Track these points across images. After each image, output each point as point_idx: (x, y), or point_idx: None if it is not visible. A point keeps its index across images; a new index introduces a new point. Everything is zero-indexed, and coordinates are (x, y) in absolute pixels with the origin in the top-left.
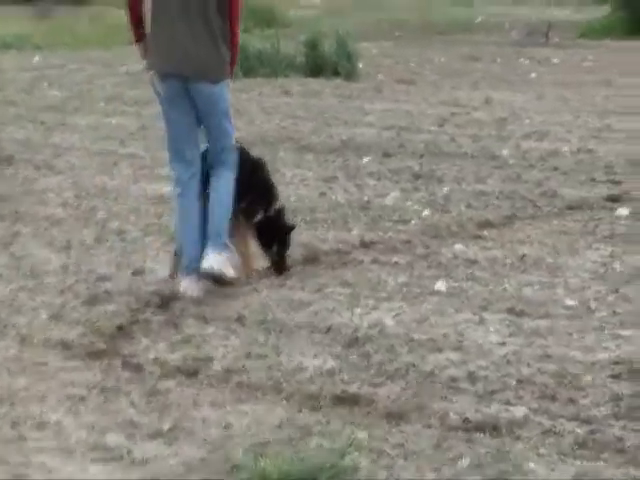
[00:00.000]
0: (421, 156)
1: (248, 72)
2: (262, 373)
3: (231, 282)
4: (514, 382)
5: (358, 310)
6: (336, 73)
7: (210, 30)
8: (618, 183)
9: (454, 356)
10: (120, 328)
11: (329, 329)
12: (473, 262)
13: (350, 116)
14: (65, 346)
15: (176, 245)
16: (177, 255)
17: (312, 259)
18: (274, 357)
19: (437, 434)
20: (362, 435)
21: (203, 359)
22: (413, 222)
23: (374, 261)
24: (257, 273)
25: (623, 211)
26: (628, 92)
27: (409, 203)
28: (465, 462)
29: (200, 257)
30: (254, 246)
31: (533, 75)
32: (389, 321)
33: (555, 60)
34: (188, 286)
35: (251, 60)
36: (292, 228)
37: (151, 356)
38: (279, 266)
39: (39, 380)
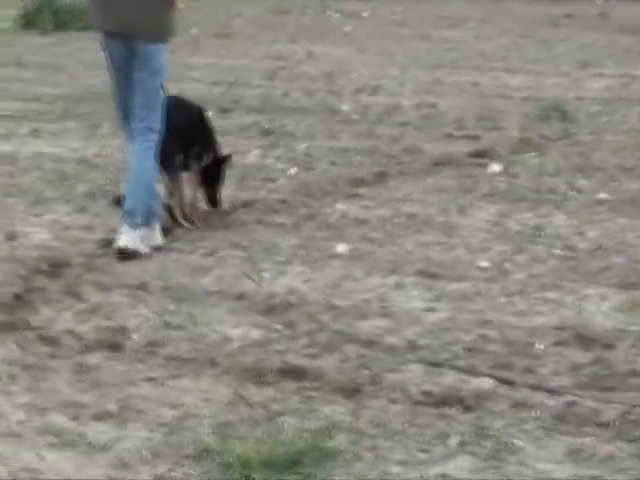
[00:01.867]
0: (259, 111)
1: (59, 26)
2: (187, 345)
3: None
4: (461, 350)
5: (264, 275)
6: None
7: None
8: (476, 138)
9: (383, 323)
10: (18, 297)
11: (241, 296)
12: (362, 222)
13: (174, 71)
14: None
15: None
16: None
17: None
18: (192, 327)
19: (406, 410)
20: (339, 414)
21: (118, 330)
22: (281, 181)
23: (258, 222)
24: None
25: (495, 167)
26: (447, 45)
27: (270, 160)
28: (454, 441)
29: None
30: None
31: (348, 28)
32: (302, 286)
33: (365, 14)
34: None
35: (62, 14)
36: (228, 159)
37: (61, 327)
38: (216, 200)
39: None
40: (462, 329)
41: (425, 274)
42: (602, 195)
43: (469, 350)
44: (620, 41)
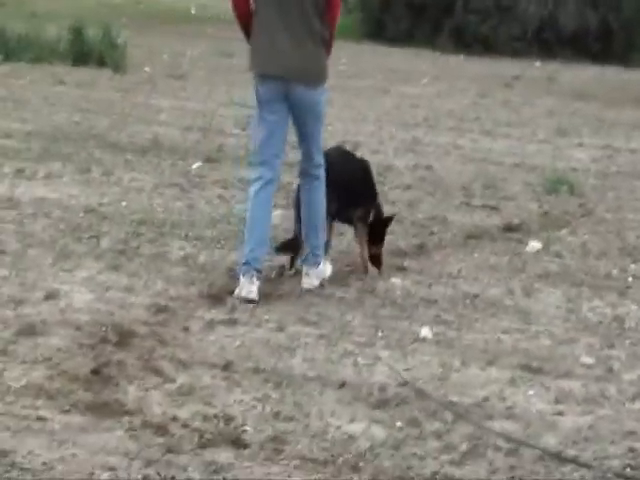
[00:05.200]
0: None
1: (10, 56)
2: (310, 442)
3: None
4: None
5: (358, 360)
6: (102, 63)
7: (311, 33)
8: (495, 209)
9: (514, 427)
10: (96, 372)
11: (343, 384)
12: (429, 301)
13: (142, 113)
14: (45, 394)
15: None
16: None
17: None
18: (305, 419)
19: None
20: None
21: (226, 419)
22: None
23: (315, 293)
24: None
25: (536, 244)
26: (410, 102)
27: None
28: None
29: (262, 258)
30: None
31: None
32: (405, 377)
33: None
34: (242, 287)
35: (11, 43)
36: (391, 219)
37: (160, 411)
38: (379, 260)
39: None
40: (609, 440)
41: (528, 369)
42: None
43: (634, 468)
44: (583, 109)
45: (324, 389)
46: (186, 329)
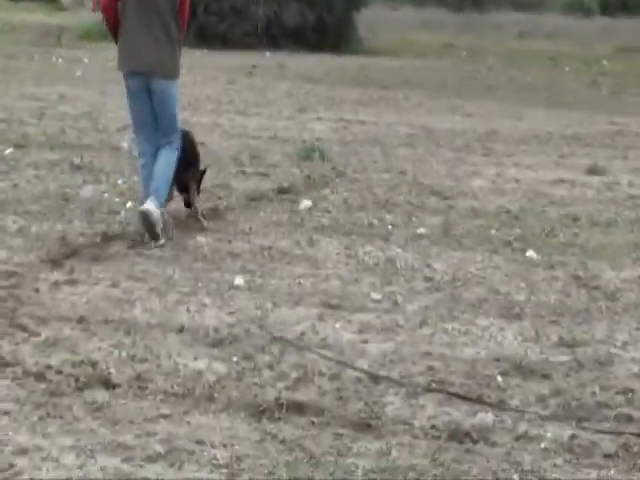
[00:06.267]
0: (53, 148)
1: None
2: (168, 380)
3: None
4: (429, 382)
5: (189, 307)
6: None
7: (168, 36)
8: (266, 175)
9: (332, 354)
10: None
11: (182, 328)
12: (234, 255)
13: None
14: None
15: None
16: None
17: (70, 253)
18: (156, 360)
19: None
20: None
21: (89, 364)
22: (125, 214)
23: (138, 254)
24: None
25: (307, 203)
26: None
27: (106, 195)
28: None
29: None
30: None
31: (79, 73)
32: (227, 318)
33: (85, 60)
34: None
35: None
36: (204, 172)
37: (34, 361)
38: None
39: None
40: (410, 361)
41: (329, 305)
42: (421, 230)
43: (438, 383)
44: (314, 90)
45: (167, 333)
46: (37, 290)
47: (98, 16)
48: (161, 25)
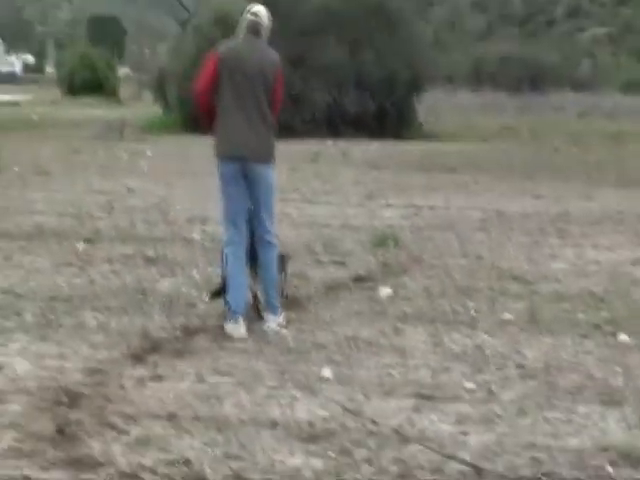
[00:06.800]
0: (124, 241)
1: None
2: (264, 477)
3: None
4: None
5: (280, 401)
6: None
7: (264, 120)
8: (342, 264)
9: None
10: (60, 431)
11: (275, 423)
12: (320, 346)
13: (20, 205)
14: (23, 455)
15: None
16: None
17: (152, 348)
18: (251, 457)
19: None
20: None
21: (182, 462)
22: (201, 306)
23: (220, 348)
24: None
25: (387, 290)
26: None
27: (184, 289)
28: None
29: (243, 304)
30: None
31: (144, 164)
32: (320, 411)
33: (148, 152)
34: (234, 329)
35: None
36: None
37: (126, 461)
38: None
39: None
40: (513, 452)
41: (422, 396)
42: (507, 316)
43: (546, 475)
44: (380, 176)
45: (259, 429)
46: (122, 387)
47: (158, 108)
48: (257, 109)
